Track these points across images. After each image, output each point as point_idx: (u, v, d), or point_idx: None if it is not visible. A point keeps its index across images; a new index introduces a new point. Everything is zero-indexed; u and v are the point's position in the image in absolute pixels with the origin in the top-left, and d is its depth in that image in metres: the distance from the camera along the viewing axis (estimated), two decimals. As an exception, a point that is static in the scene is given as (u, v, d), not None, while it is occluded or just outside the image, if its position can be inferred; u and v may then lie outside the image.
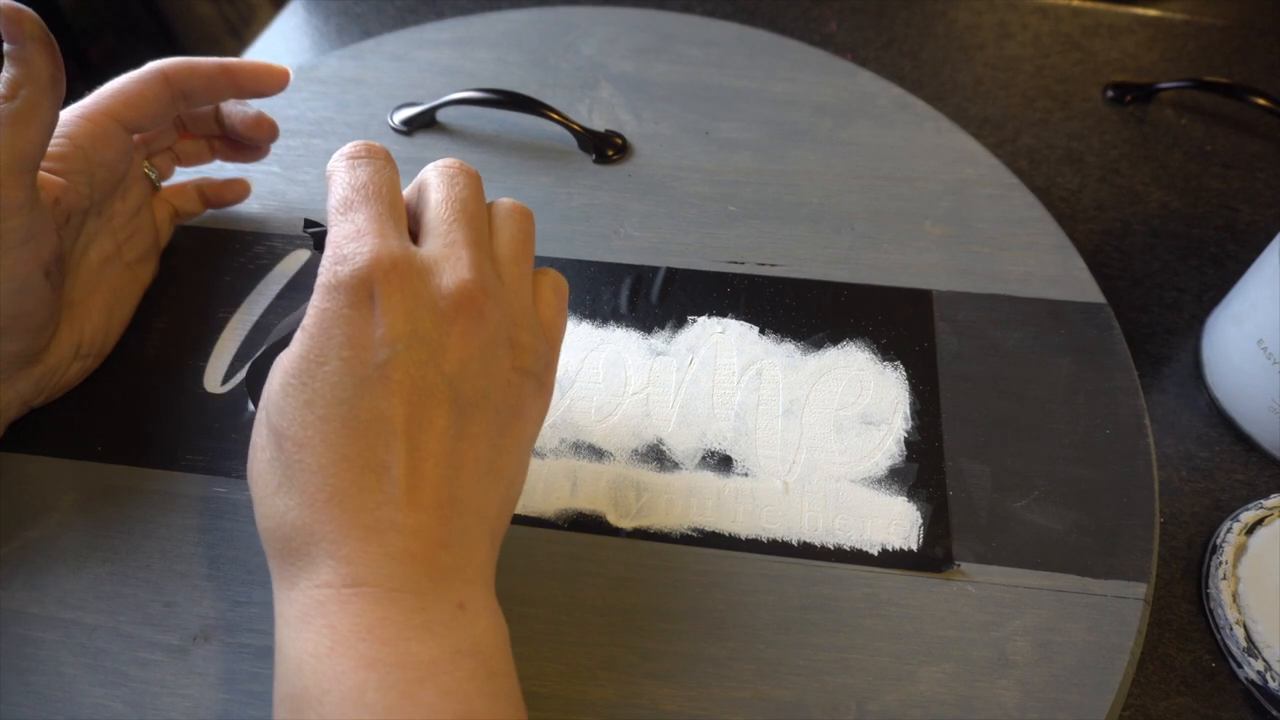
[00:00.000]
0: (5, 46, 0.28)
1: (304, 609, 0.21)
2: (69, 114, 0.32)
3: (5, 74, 0.28)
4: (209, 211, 0.41)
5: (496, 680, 0.22)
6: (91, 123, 0.32)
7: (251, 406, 0.31)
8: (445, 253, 0.24)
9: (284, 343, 0.29)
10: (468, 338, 0.23)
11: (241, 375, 0.35)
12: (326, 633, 0.21)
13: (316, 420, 0.22)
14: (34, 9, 0.28)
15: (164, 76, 0.35)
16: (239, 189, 0.41)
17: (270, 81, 0.38)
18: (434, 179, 0.26)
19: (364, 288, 0.23)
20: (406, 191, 0.27)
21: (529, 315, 0.26)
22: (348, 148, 0.26)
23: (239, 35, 0.92)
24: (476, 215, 0.26)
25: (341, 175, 0.25)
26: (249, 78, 0.38)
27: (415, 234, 0.26)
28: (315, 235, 0.28)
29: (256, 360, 0.29)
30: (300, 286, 0.38)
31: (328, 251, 0.24)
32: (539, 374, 0.26)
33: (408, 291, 0.23)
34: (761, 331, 0.37)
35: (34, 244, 0.29)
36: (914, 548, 0.31)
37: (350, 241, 0.23)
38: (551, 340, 0.27)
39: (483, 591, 0.23)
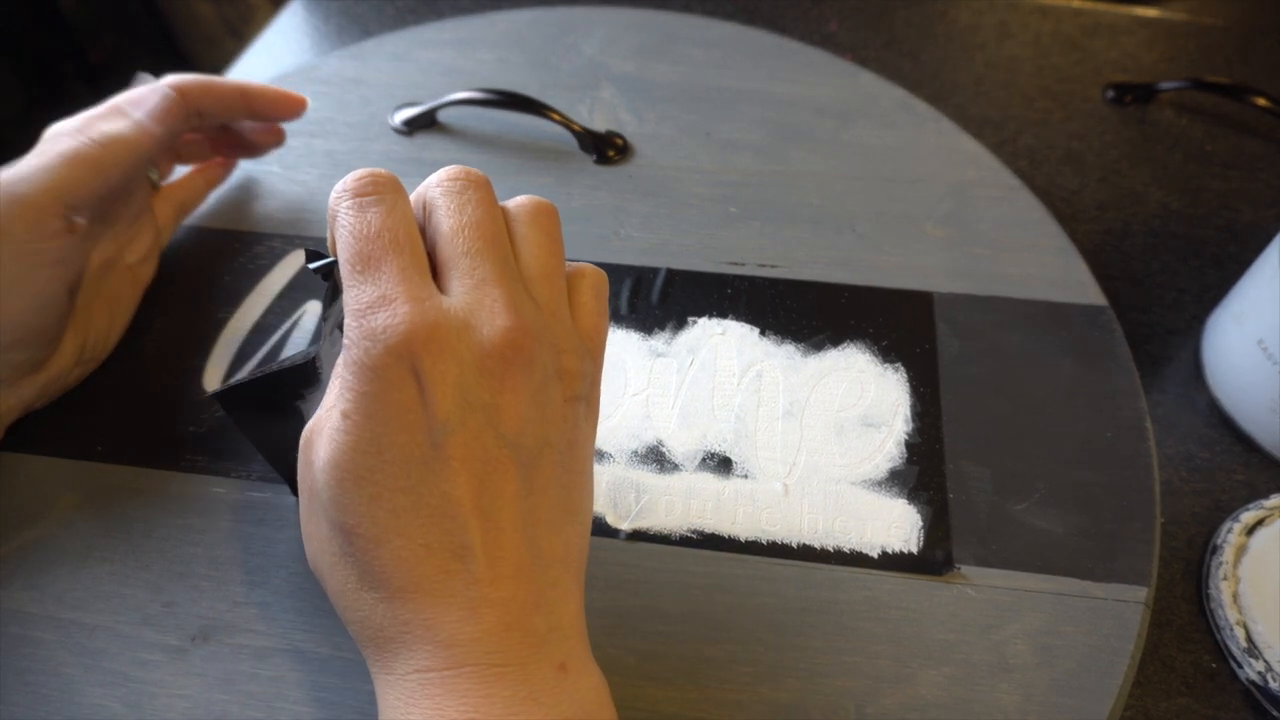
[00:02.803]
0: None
1: (407, 693, 0.21)
2: None
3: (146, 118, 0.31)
4: (209, 211, 0.41)
5: None
6: None
7: (241, 432, 0.29)
8: (477, 297, 0.22)
9: (271, 378, 0.27)
10: (519, 391, 0.21)
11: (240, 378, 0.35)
12: (434, 716, 0.21)
13: (387, 515, 0.21)
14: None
15: (180, 94, 0.35)
16: (231, 162, 0.42)
17: (287, 109, 0.38)
18: (441, 201, 0.23)
19: (402, 364, 0.20)
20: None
21: (571, 336, 0.23)
22: (350, 183, 0.22)
23: (239, 35, 0.92)
24: (497, 238, 0.23)
25: (350, 220, 0.22)
26: (266, 104, 0.38)
27: (431, 264, 0.23)
28: (321, 269, 0.25)
29: (239, 388, 0.27)
30: (300, 287, 0.38)
31: (352, 322, 0.21)
32: (587, 395, 0.24)
33: (450, 359, 0.21)
34: (762, 333, 0.37)
35: (64, 264, 0.30)
36: (914, 550, 0.31)
37: (378, 310, 0.20)
38: (595, 353, 0.24)
39: (580, 647, 0.23)
